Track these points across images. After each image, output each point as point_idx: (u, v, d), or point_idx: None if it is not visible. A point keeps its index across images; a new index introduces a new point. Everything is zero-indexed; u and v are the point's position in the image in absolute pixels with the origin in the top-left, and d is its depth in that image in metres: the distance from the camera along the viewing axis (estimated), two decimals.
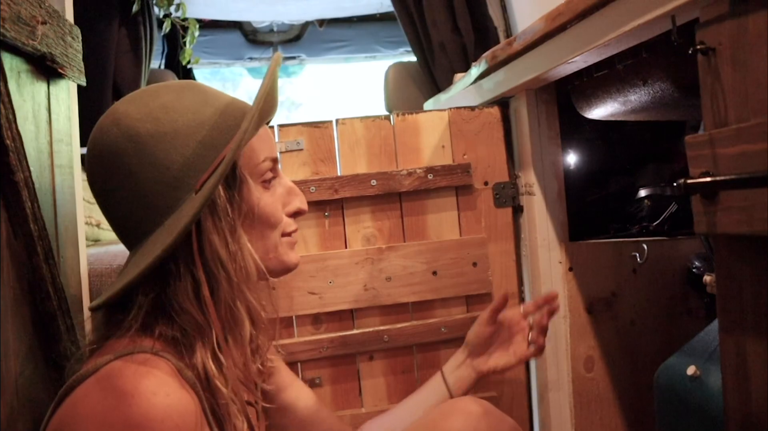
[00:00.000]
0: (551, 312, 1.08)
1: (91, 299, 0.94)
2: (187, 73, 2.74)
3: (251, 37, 3.13)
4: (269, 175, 0.76)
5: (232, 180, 0.71)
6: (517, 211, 1.35)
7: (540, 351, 1.07)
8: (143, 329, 0.67)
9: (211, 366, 0.67)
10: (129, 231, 0.71)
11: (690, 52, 0.71)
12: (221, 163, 0.68)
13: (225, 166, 0.67)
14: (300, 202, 0.80)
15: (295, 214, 0.80)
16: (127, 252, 0.74)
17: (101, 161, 0.70)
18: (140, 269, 0.65)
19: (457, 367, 1.08)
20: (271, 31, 3.15)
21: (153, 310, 0.67)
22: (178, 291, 0.67)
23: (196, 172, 0.68)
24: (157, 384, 0.60)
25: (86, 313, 0.89)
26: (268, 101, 0.73)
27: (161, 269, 0.66)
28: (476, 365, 1.08)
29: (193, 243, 0.67)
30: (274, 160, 0.77)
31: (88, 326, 0.73)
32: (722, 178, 0.65)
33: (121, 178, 0.68)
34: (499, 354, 1.08)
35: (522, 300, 1.35)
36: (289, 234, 0.79)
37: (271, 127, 1.23)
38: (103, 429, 0.57)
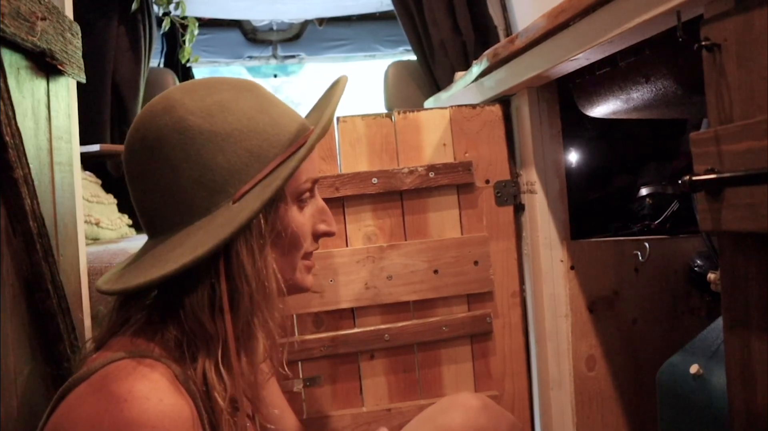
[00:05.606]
0: None
1: (91, 298, 0.94)
2: (186, 72, 2.74)
3: (251, 35, 3.12)
4: (307, 194, 0.75)
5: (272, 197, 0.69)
6: (519, 209, 1.34)
7: None
8: (147, 327, 0.66)
9: (213, 376, 0.65)
10: (154, 219, 0.70)
11: (695, 48, 0.70)
12: (269, 184, 0.66)
13: (273, 190, 0.66)
14: (329, 225, 0.78)
15: (323, 235, 0.78)
16: (126, 252, 0.73)
17: (144, 143, 0.68)
18: (176, 266, 0.63)
19: None
20: (271, 29, 3.14)
21: (164, 311, 0.66)
22: (194, 298, 0.65)
23: (239, 181, 0.67)
24: (150, 389, 0.59)
25: (86, 311, 0.88)
26: (326, 126, 0.71)
27: (183, 272, 0.65)
28: None
29: (221, 254, 0.65)
30: (315, 181, 0.76)
31: (88, 323, 0.72)
32: (727, 174, 0.65)
33: (160, 167, 0.66)
34: None
35: (523, 299, 1.34)
36: (308, 257, 0.77)
37: None
38: None
